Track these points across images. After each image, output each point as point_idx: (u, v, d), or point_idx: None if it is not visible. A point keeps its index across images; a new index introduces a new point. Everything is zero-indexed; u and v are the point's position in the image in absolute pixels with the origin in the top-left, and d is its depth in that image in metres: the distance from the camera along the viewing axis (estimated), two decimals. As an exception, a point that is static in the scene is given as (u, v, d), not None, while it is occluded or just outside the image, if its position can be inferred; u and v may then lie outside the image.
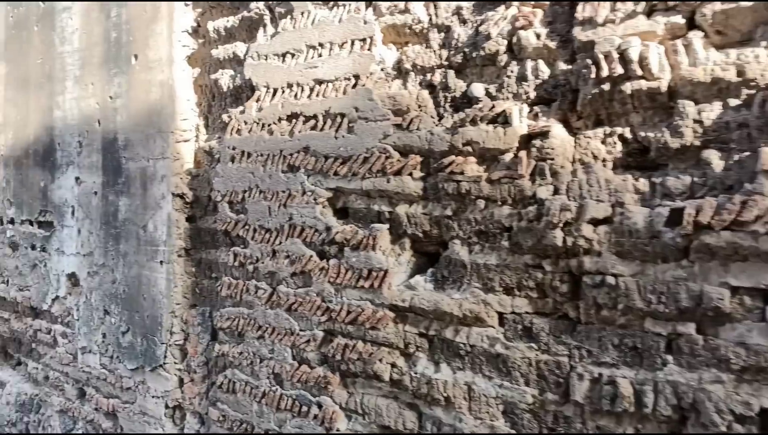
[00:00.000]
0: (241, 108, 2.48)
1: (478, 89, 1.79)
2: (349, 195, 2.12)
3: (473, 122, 1.77)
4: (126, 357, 2.93)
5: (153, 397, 2.82)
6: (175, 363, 2.74)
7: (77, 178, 3.19)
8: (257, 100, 2.40)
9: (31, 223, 3.55)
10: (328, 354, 2.15)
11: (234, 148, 2.47)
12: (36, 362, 3.58)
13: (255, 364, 2.40)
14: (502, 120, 1.72)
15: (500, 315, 1.76)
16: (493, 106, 1.74)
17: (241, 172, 2.45)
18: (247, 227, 2.43)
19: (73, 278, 3.25)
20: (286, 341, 2.29)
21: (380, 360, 2.00)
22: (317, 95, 2.19)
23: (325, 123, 2.16)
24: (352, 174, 2.07)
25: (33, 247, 3.51)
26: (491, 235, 1.76)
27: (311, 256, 2.20)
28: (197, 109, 2.76)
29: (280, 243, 2.30)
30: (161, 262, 2.74)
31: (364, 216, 2.09)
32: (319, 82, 2.19)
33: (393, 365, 1.98)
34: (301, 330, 2.24)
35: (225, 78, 2.59)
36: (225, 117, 2.55)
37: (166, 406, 2.76)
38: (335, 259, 2.14)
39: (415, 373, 1.92)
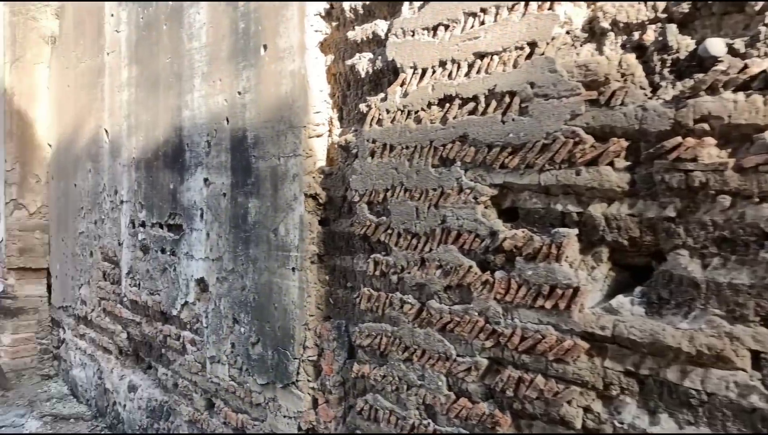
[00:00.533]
0: (381, 95, 2.16)
1: (715, 46, 1.33)
2: (521, 192, 1.72)
3: (711, 90, 1.31)
4: (256, 370, 2.72)
5: (284, 416, 2.57)
6: (308, 381, 2.48)
7: (206, 180, 3.05)
8: (402, 85, 2.07)
9: (160, 226, 3.47)
10: (495, 387, 1.76)
11: (374, 141, 2.16)
12: (166, 368, 3.51)
13: (401, 391, 2.06)
14: (760, 84, 1.25)
15: (756, 354, 1.28)
16: (746, 66, 1.26)
17: (382, 168, 2.13)
18: (389, 231, 2.10)
19: (201, 284, 3.11)
20: (439, 367, 1.93)
21: (569, 402, 1.57)
22: (478, 72, 1.81)
23: (488, 105, 1.78)
24: (525, 166, 1.67)
25: (163, 251, 3.44)
26: (741, 243, 1.28)
27: (470, 267, 1.83)
28: (330, 100, 2.48)
29: (431, 250, 1.95)
30: (293, 268, 2.49)
31: (541, 218, 1.68)
32: (481, 56, 1.81)
33: (587, 410, 1.55)
34: (458, 355, 1.87)
35: (363, 62, 2.29)
36: (363, 107, 2.24)
37: (299, 429, 2.51)
38: (503, 272, 1.75)
39: (621, 423, 1.48)
